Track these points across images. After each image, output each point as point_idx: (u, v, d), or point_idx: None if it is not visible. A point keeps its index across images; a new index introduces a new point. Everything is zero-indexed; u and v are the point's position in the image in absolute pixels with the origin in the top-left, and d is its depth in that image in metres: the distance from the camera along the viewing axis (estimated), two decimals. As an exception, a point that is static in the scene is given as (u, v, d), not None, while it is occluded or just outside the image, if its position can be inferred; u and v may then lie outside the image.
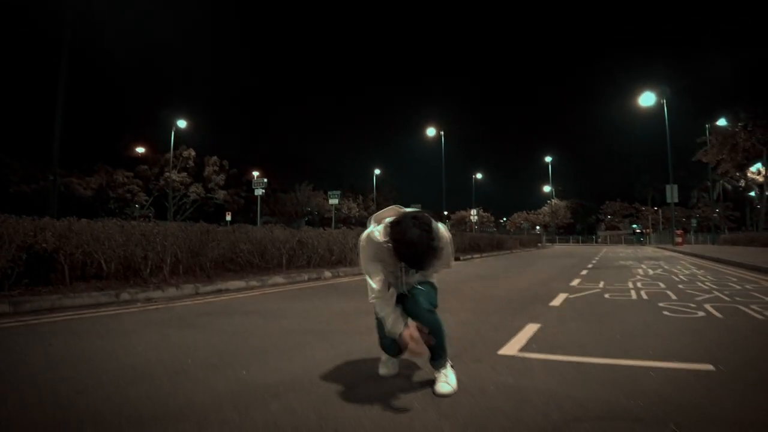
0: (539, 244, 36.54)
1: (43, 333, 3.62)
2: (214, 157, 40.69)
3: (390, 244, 2.23)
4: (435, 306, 2.53)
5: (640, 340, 3.54)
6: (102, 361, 2.84)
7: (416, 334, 2.32)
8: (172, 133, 31.57)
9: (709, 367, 2.75)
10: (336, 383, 2.55)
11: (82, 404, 2.13)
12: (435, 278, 2.65)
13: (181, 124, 31.46)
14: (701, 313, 4.63)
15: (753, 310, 4.74)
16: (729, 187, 34.56)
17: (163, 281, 5.79)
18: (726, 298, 5.63)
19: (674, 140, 26.13)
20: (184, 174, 37.58)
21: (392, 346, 2.49)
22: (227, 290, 6.52)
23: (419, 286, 2.51)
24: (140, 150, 36.28)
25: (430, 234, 2.17)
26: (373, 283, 2.39)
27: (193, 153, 38.34)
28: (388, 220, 2.32)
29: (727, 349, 3.19)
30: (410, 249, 2.15)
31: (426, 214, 2.23)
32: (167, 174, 34.62)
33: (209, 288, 6.26)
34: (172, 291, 5.64)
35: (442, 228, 2.40)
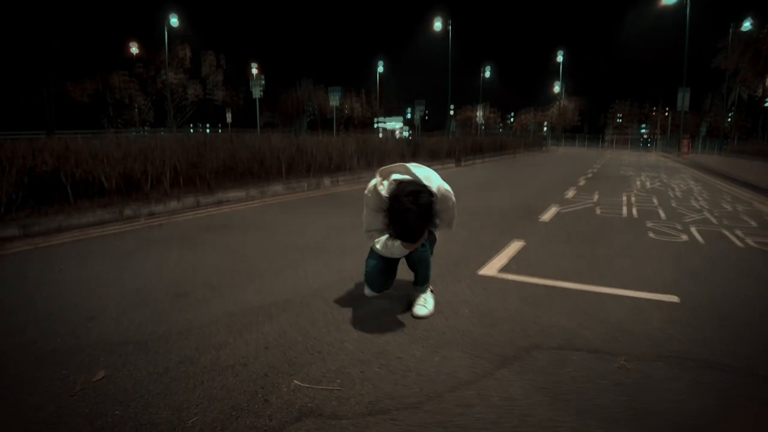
0: (543, 147, 36.11)
1: (53, 257, 3.80)
2: (211, 54, 38.81)
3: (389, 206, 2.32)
4: (431, 254, 2.73)
5: (618, 265, 3.73)
6: (109, 286, 3.05)
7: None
8: (165, 29, 30.02)
9: (674, 299, 2.93)
10: (324, 305, 2.77)
11: (93, 331, 2.36)
12: (437, 234, 2.82)
13: (174, 21, 29.97)
14: (684, 237, 4.78)
15: (736, 236, 4.85)
16: (744, 95, 33.08)
17: (164, 194, 5.92)
18: (713, 221, 5.74)
19: (693, 48, 24.56)
20: (182, 74, 36.18)
21: (374, 281, 2.69)
22: (228, 201, 6.68)
23: None
24: (134, 50, 34.49)
25: (427, 220, 2.29)
26: (371, 225, 2.53)
27: (188, 52, 36.56)
28: (394, 176, 2.40)
29: (697, 280, 3.35)
30: (403, 230, 2.32)
31: (427, 195, 2.27)
32: (164, 77, 33.35)
33: (210, 199, 6.42)
34: (173, 204, 5.80)
35: (446, 189, 2.50)
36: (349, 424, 1.65)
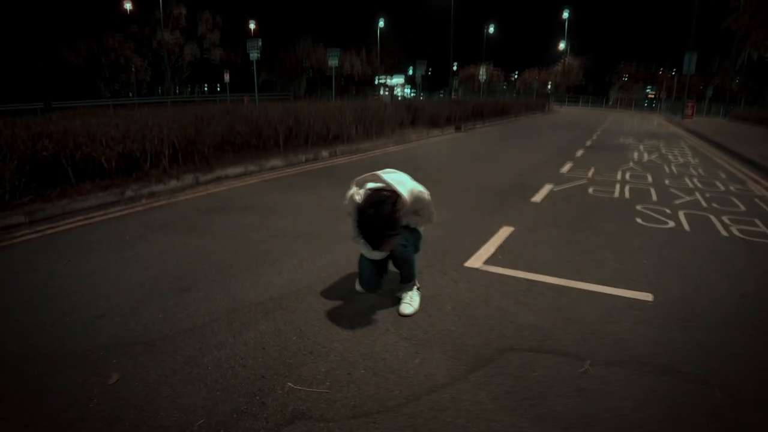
0: (546, 108, 35.59)
1: (60, 246, 3.95)
2: (207, 13, 37.86)
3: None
4: (417, 250, 2.92)
5: (600, 256, 3.89)
6: (115, 280, 3.23)
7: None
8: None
9: (648, 296, 3.11)
10: (317, 300, 2.97)
11: (104, 330, 2.56)
12: (422, 229, 2.97)
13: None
14: (671, 224, 4.92)
15: (722, 223, 4.97)
16: (755, 56, 32.20)
17: (163, 173, 6.04)
18: (704, 204, 5.85)
19: (702, 8, 23.84)
20: (177, 34, 35.34)
21: (370, 282, 2.88)
22: (227, 177, 6.80)
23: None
24: (128, 6, 33.42)
25: (390, 228, 2.44)
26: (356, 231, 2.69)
27: (183, 10, 35.54)
28: (369, 185, 2.59)
29: (674, 275, 3.51)
30: (368, 238, 2.49)
31: (390, 204, 2.42)
32: (160, 36, 32.53)
33: (209, 176, 6.53)
34: (173, 183, 5.92)
35: (418, 191, 2.69)
36: (335, 427, 1.87)
